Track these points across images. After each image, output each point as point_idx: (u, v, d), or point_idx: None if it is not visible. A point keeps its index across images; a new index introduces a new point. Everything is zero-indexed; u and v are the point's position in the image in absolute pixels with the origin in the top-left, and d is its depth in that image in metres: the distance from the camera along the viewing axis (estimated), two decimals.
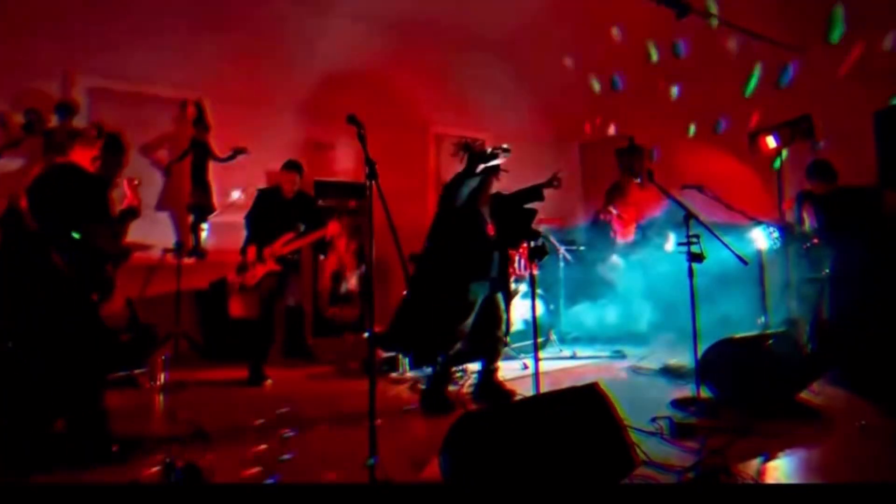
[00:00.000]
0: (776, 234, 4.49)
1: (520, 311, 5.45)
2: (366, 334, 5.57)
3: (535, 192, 4.00)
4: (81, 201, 2.85)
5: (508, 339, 3.98)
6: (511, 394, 3.80)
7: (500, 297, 3.83)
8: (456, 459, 2.25)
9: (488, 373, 3.86)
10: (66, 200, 2.80)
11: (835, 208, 4.25)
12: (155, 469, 2.59)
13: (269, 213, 4.52)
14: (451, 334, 3.64)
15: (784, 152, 5.36)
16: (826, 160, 4.51)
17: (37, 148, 4.73)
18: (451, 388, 3.96)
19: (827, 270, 4.42)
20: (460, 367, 4.37)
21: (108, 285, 2.93)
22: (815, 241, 4.43)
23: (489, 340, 3.79)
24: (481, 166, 3.61)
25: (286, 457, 2.80)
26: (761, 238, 4.56)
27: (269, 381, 4.35)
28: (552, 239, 5.57)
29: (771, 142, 5.37)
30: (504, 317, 3.83)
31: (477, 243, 3.68)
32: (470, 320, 3.64)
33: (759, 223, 4.57)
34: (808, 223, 4.47)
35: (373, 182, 2.46)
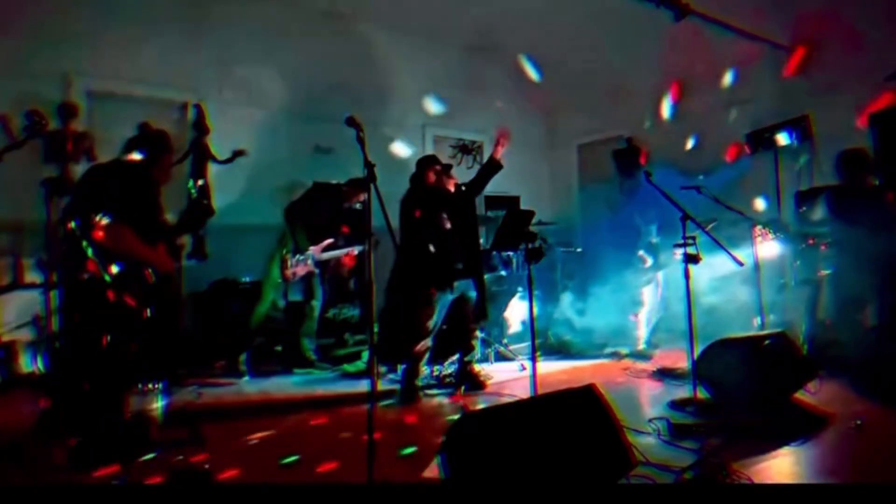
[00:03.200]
0: (772, 235, 4.49)
1: (517, 312, 5.47)
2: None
3: (490, 167, 4.24)
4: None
5: (478, 332, 4.39)
6: (483, 384, 4.17)
7: (470, 294, 4.18)
8: (455, 460, 2.27)
9: (464, 363, 4.22)
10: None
11: (843, 206, 4.12)
12: (154, 471, 2.60)
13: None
14: (416, 334, 3.97)
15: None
16: (861, 148, 4.21)
17: (38, 151, 4.75)
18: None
19: (824, 271, 4.43)
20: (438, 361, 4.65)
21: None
22: (812, 241, 4.42)
23: (461, 335, 4.21)
24: None
25: (285, 457, 2.83)
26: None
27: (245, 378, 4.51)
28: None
29: (783, 138, 5.29)
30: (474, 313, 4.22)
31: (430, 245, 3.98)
32: (435, 319, 3.98)
33: (756, 223, 4.59)
34: (817, 212, 4.38)
35: (372, 185, 2.47)
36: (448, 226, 4.07)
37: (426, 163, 4.27)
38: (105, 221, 2.72)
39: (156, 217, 3.00)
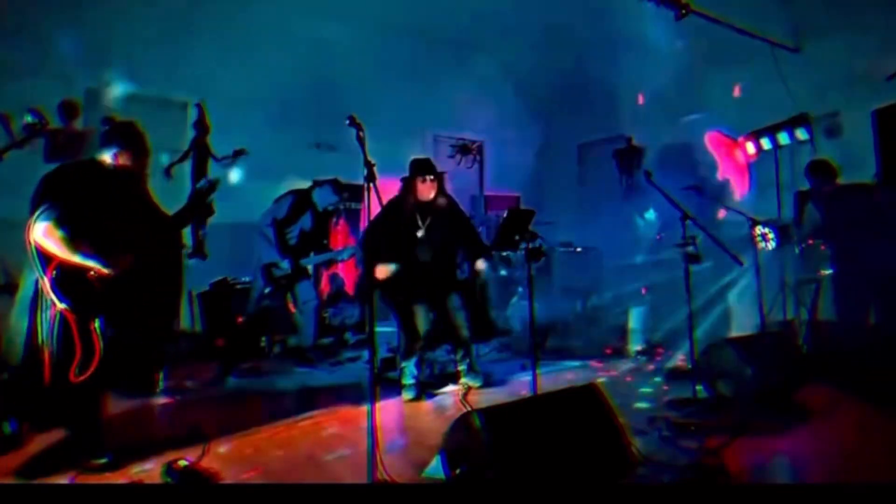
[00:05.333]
0: (772, 236, 4.50)
1: (518, 313, 5.47)
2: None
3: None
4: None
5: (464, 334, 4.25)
6: (484, 382, 4.19)
7: (454, 297, 4.14)
8: (455, 459, 2.27)
9: (464, 361, 4.20)
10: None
11: (836, 206, 4.24)
12: (155, 470, 2.61)
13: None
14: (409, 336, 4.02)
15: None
16: (825, 158, 4.51)
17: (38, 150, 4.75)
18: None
19: (824, 271, 4.43)
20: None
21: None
22: (811, 241, 4.43)
23: (451, 335, 4.19)
24: None
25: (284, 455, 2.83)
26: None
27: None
28: None
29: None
30: (460, 315, 4.13)
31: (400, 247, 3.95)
32: (422, 321, 4.00)
33: (756, 223, 4.59)
34: (806, 223, 4.46)
35: (371, 184, 2.47)
36: (420, 234, 4.03)
37: (415, 170, 4.05)
38: (40, 222, 2.53)
39: (116, 221, 2.75)
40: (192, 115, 5.63)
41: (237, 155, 5.59)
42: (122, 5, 5.12)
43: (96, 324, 2.60)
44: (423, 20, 6.18)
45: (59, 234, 2.53)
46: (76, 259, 2.56)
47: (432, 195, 4.04)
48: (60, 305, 2.54)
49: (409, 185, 4.07)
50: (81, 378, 2.55)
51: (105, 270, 2.63)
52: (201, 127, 5.58)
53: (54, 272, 2.54)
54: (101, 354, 2.58)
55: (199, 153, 5.55)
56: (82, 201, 2.66)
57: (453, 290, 4.19)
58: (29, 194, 4.74)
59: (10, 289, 4.54)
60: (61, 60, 4.98)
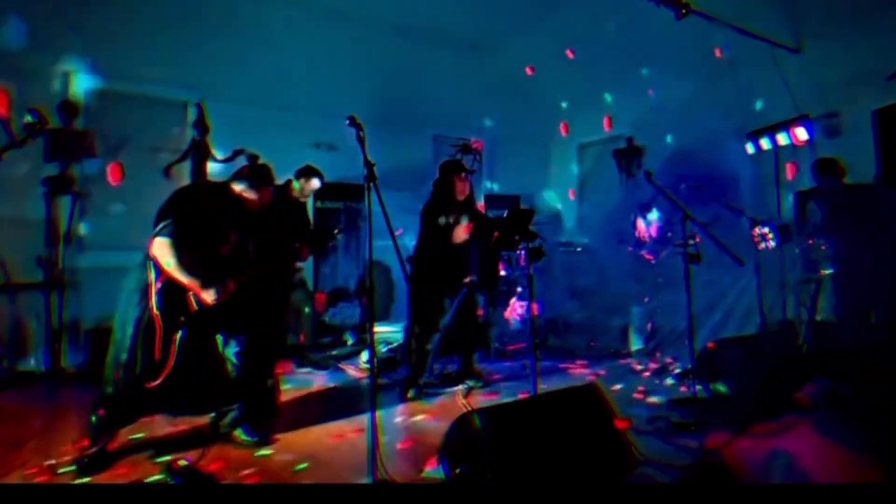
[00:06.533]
0: (772, 235, 4.50)
1: (517, 312, 5.47)
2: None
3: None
4: None
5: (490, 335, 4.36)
6: (485, 382, 4.23)
7: (476, 297, 4.15)
8: (455, 459, 2.27)
9: (466, 361, 4.24)
10: None
11: (838, 206, 4.24)
12: (155, 470, 2.61)
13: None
14: (426, 332, 3.99)
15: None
16: (833, 157, 4.50)
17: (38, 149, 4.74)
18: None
19: (824, 271, 4.43)
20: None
21: None
22: (811, 241, 4.43)
23: (466, 333, 4.15)
24: None
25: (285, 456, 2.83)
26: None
27: None
28: None
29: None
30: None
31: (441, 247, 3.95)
32: (445, 318, 3.97)
33: (756, 223, 4.59)
34: (809, 222, 4.45)
35: (371, 184, 2.47)
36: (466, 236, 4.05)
37: (451, 169, 4.13)
38: (160, 237, 2.73)
39: (220, 245, 2.96)
40: (192, 115, 5.62)
41: (237, 154, 5.58)
42: (122, 4, 5.11)
43: (178, 335, 2.77)
44: (425, 20, 6.18)
45: (173, 252, 2.74)
46: (182, 278, 2.76)
47: (467, 192, 4.12)
48: (156, 312, 2.73)
49: (447, 185, 4.08)
50: (151, 384, 2.71)
51: (203, 295, 2.81)
52: (201, 127, 5.57)
53: (161, 284, 2.76)
54: (173, 366, 2.73)
55: (199, 153, 5.54)
56: (203, 222, 2.88)
57: (485, 286, 4.24)
58: (29, 194, 4.79)
59: (11, 289, 4.58)
60: (61, 59, 4.98)
